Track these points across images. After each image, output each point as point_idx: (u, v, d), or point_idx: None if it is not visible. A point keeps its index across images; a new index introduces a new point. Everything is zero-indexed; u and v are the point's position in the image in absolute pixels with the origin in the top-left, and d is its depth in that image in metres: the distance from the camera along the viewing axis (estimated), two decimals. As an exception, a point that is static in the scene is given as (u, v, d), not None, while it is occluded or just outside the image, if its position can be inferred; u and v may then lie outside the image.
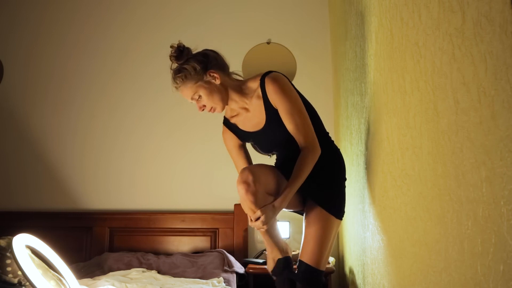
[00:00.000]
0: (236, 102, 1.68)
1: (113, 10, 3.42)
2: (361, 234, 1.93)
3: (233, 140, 1.79)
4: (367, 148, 1.74)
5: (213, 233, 2.98)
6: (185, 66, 1.62)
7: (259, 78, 1.64)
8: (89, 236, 3.04)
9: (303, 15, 3.27)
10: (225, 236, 2.96)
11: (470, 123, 0.77)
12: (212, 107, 1.63)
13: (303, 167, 1.53)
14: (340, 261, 2.81)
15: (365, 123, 1.77)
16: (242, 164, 1.80)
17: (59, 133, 3.28)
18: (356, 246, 2.12)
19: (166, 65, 3.31)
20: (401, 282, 1.25)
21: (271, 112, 1.64)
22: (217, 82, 1.62)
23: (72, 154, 3.24)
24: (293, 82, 3.10)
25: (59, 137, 3.27)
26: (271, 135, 1.69)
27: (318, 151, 1.57)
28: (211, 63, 1.63)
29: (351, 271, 2.35)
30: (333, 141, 1.80)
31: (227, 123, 1.80)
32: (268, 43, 3.14)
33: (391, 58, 1.30)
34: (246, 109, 1.70)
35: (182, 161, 3.17)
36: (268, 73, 1.65)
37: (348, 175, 2.36)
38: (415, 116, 1.08)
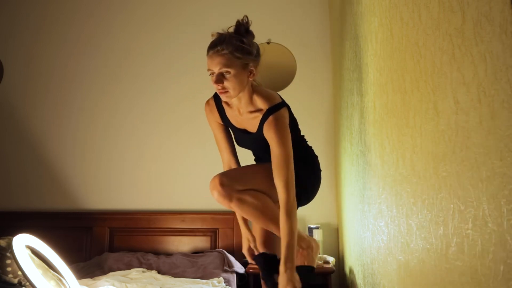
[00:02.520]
0: (239, 102, 1.67)
1: (113, 10, 3.42)
2: (361, 234, 1.93)
3: (216, 118, 1.79)
4: (367, 148, 1.74)
5: (213, 233, 2.98)
6: (245, 43, 1.59)
7: (266, 106, 1.63)
8: (89, 236, 3.04)
9: (303, 15, 3.27)
10: (225, 236, 2.96)
11: (470, 123, 0.77)
12: (227, 90, 1.58)
13: (291, 226, 1.55)
14: (340, 261, 2.81)
15: (365, 123, 1.77)
16: (224, 147, 1.83)
17: (59, 133, 3.28)
18: (356, 246, 2.12)
19: (166, 66, 3.32)
20: (401, 282, 1.25)
21: (261, 133, 1.66)
22: (250, 78, 1.62)
23: (72, 154, 3.24)
24: (293, 82, 3.13)
25: (59, 137, 3.27)
26: (254, 144, 1.75)
27: (294, 212, 1.58)
28: (257, 61, 1.64)
29: (351, 271, 2.35)
30: (312, 149, 1.85)
31: (217, 100, 1.76)
32: (268, 43, 3.14)
33: (391, 58, 1.30)
34: (240, 112, 1.71)
35: (182, 161, 3.17)
36: (275, 109, 1.63)
37: (348, 175, 2.36)
38: (415, 116, 1.08)
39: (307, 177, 1.74)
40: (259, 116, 1.64)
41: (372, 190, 1.63)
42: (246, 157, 1.94)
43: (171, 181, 3.14)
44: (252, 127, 1.69)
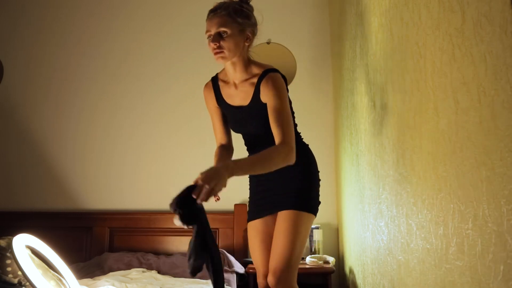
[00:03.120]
0: (234, 71, 1.69)
1: (114, 10, 3.42)
2: (361, 234, 1.93)
3: (212, 100, 1.80)
4: (367, 148, 1.74)
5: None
6: (245, 8, 1.65)
7: (262, 70, 1.67)
8: (89, 236, 3.04)
9: (303, 15, 3.27)
10: (225, 236, 2.96)
11: (470, 123, 0.77)
12: (223, 50, 1.60)
13: (271, 158, 1.50)
14: (340, 261, 2.81)
15: (365, 123, 1.77)
16: (218, 127, 1.82)
17: (60, 133, 3.28)
18: (356, 246, 2.12)
19: (166, 66, 3.32)
20: (401, 282, 1.25)
21: (256, 103, 1.66)
22: (246, 43, 1.66)
23: (72, 154, 3.24)
24: (293, 82, 3.13)
25: (59, 137, 3.27)
26: (247, 119, 1.71)
27: (292, 157, 1.53)
28: (254, 28, 1.68)
29: (351, 271, 2.35)
30: (302, 138, 1.79)
31: (215, 81, 1.80)
32: (268, 43, 3.14)
33: (391, 58, 1.30)
34: (235, 85, 1.72)
35: (183, 161, 3.17)
36: (272, 70, 1.67)
37: (348, 175, 2.36)
38: (415, 116, 1.08)
39: (311, 185, 1.72)
40: (255, 80, 1.66)
41: (372, 190, 1.63)
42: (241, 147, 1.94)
43: (171, 181, 3.14)
44: (247, 97, 1.68)
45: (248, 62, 1.69)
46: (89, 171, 3.21)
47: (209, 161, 3.23)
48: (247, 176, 1.78)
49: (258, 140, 1.72)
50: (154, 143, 3.22)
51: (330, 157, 3.00)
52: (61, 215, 3.08)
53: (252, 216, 1.77)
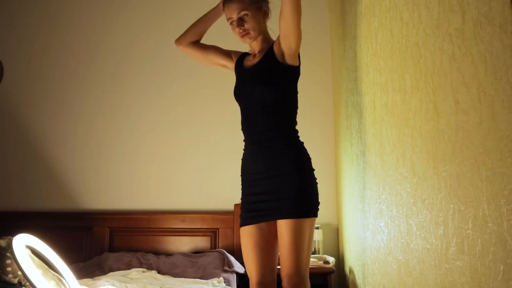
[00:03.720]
0: (257, 44, 1.78)
1: (113, 11, 3.42)
2: (361, 234, 1.93)
3: (233, 56, 1.89)
4: (367, 148, 1.74)
5: (213, 233, 2.98)
6: None
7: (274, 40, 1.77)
8: (89, 236, 3.04)
9: (303, 15, 3.26)
10: (225, 236, 2.96)
11: (470, 123, 0.77)
12: (249, 32, 1.71)
13: None
14: (340, 261, 2.81)
15: (365, 123, 1.77)
16: (216, 48, 1.94)
17: (59, 133, 3.28)
18: (356, 246, 2.12)
19: (166, 66, 3.32)
20: (401, 282, 1.25)
21: (265, 60, 1.72)
22: (265, 18, 1.79)
23: (72, 154, 3.24)
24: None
25: (59, 137, 3.27)
26: (254, 78, 1.74)
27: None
28: (268, 3, 1.80)
29: (351, 271, 2.35)
30: (299, 136, 1.78)
31: (242, 55, 1.89)
32: (268, 43, 3.14)
33: (391, 58, 1.30)
34: (254, 55, 1.81)
35: (182, 161, 3.17)
36: None
37: (348, 175, 2.36)
38: (415, 116, 1.08)
39: (309, 184, 1.70)
40: (271, 43, 1.77)
41: (372, 190, 1.63)
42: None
43: (171, 181, 3.14)
44: (261, 56, 1.76)
45: (267, 34, 1.81)
46: (89, 171, 3.21)
47: (208, 161, 3.25)
48: None
49: (256, 116, 1.72)
50: (154, 143, 3.22)
51: (330, 157, 3.00)
52: (61, 215, 3.08)
53: (245, 221, 1.70)
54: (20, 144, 3.28)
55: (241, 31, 1.70)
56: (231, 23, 1.74)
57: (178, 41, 1.97)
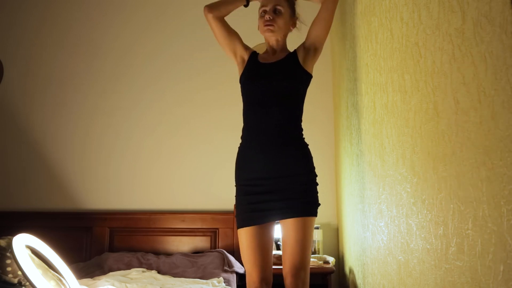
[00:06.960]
0: (276, 46, 1.83)
1: (113, 11, 3.42)
2: (361, 234, 1.93)
3: (244, 48, 1.90)
4: (367, 148, 1.74)
5: (213, 233, 2.98)
6: (296, 1, 1.88)
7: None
8: (89, 236, 3.04)
9: (303, 15, 3.26)
10: (225, 236, 2.96)
11: (470, 123, 0.77)
12: (274, 24, 1.76)
13: None
14: (340, 261, 2.81)
15: (365, 123, 1.77)
16: (230, 29, 1.91)
17: (59, 133, 3.28)
18: (356, 246, 2.12)
19: (166, 66, 3.32)
20: (401, 282, 1.25)
21: (289, 59, 1.78)
22: (292, 27, 1.87)
23: (72, 154, 3.24)
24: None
25: (59, 137, 3.27)
26: (275, 71, 1.74)
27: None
28: (298, 19, 1.89)
29: (351, 271, 2.35)
30: (303, 136, 1.78)
31: (254, 53, 1.90)
32: (268, 43, 3.14)
33: (391, 58, 1.30)
34: (273, 55, 1.84)
35: (182, 161, 3.17)
36: None
37: (348, 175, 2.36)
38: (415, 116, 1.08)
39: (314, 185, 1.71)
40: (287, 50, 1.84)
41: (372, 190, 1.63)
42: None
43: (171, 181, 3.14)
44: (283, 55, 1.82)
45: (286, 42, 1.87)
46: (89, 171, 3.21)
47: (208, 161, 3.25)
48: None
49: (269, 110, 1.68)
50: (154, 143, 3.22)
51: (330, 157, 3.00)
52: (61, 215, 3.08)
53: (247, 222, 1.65)
54: (20, 144, 3.28)
55: (268, 18, 1.74)
56: (261, 13, 1.79)
57: (210, 10, 1.85)
